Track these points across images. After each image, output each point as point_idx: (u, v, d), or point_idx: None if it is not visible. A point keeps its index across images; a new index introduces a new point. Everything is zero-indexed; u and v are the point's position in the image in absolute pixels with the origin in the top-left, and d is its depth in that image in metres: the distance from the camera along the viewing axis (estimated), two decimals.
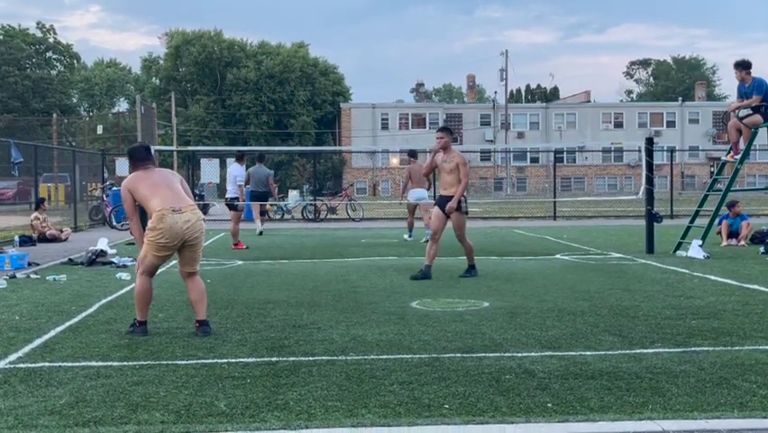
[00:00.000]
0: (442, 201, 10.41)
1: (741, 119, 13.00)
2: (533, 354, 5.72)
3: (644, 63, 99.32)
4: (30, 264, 11.99)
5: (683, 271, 10.83)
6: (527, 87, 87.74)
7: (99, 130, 43.42)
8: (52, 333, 6.63)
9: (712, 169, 55.56)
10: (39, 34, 75.26)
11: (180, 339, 6.33)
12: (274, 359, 5.60)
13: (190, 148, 35.73)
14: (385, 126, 66.30)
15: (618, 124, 68.48)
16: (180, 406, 4.47)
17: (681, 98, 72.68)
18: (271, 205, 26.69)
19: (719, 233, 15.07)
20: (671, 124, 68.76)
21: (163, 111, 63.01)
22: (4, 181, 31.48)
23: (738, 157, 13.23)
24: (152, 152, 7.06)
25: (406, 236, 16.97)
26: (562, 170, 61.35)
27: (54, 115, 50.90)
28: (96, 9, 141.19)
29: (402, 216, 22.56)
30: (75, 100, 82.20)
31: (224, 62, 69.63)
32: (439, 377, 5.06)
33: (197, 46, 69.62)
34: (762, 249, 13.30)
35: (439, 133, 10.56)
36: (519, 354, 5.69)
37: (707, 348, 5.87)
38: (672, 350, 5.81)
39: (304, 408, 4.43)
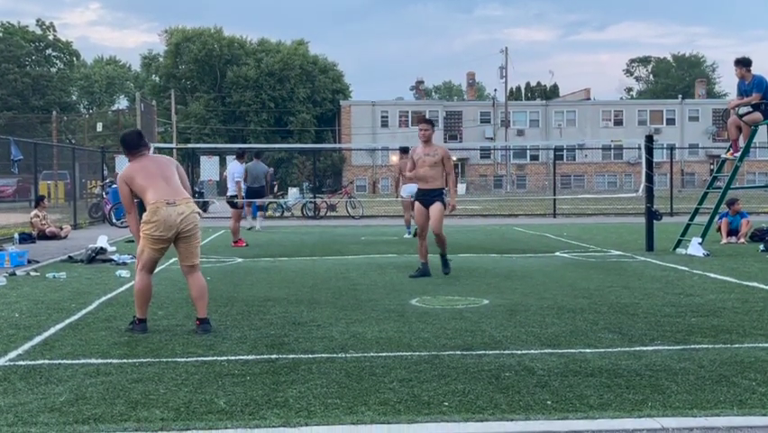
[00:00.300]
0: (423, 196, 10.03)
1: (741, 117, 12.99)
2: (532, 351, 5.72)
3: (644, 61, 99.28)
4: (29, 262, 11.99)
5: (683, 268, 10.83)
6: (527, 84, 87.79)
7: (99, 127, 43.45)
8: (52, 330, 6.63)
9: (712, 166, 55.55)
10: (39, 31, 75.22)
11: (180, 337, 6.33)
12: (274, 356, 5.60)
13: (190, 145, 35.70)
14: (385, 124, 66.30)
15: (618, 122, 68.49)
16: (180, 403, 4.47)
17: (680, 96, 72.68)
18: (270, 202, 26.73)
19: (719, 230, 15.07)
20: (670, 121, 68.77)
21: (163, 108, 63.06)
22: (4, 179, 31.50)
23: (738, 155, 13.22)
24: (144, 138, 7.01)
25: (406, 235, 16.97)
26: (562, 167, 61.34)
27: (54, 113, 50.91)
28: (95, 6, 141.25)
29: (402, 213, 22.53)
30: (75, 98, 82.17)
31: (224, 60, 69.58)
32: (439, 374, 5.06)
33: (197, 43, 69.56)
34: (761, 247, 13.31)
35: (424, 124, 10.14)
36: (519, 352, 5.69)
37: (706, 346, 5.87)
38: (671, 347, 5.81)
39: (303, 405, 4.43)
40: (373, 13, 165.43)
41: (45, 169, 29.68)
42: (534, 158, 67.59)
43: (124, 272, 10.38)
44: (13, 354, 5.75)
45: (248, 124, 67.69)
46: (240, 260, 12.50)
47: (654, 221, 13.62)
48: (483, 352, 5.70)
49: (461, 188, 60.21)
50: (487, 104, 70.71)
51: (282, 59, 68.77)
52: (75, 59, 79.95)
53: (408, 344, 6.00)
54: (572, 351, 5.72)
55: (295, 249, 14.51)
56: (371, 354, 5.67)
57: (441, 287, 9.16)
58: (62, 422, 4.16)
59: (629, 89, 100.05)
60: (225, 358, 5.57)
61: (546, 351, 5.73)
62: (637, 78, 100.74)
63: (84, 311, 7.58)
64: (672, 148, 33.52)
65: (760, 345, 5.91)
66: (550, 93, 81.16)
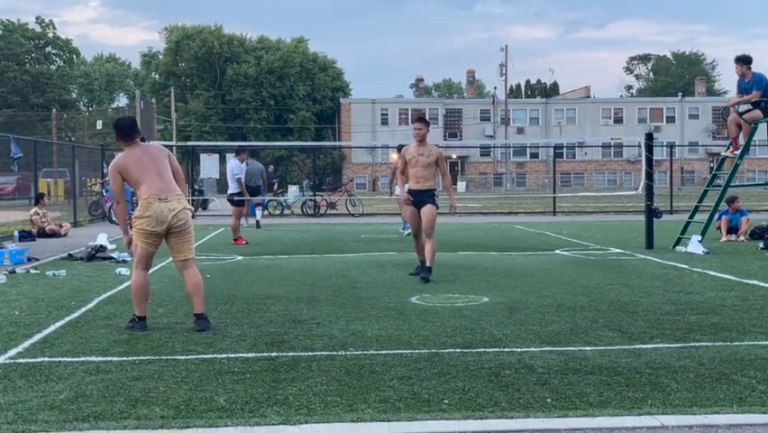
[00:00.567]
0: (415, 197, 9.81)
1: (741, 114, 12.99)
2: (532, 349, 5.72)
3: (644, 59, 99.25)
4: (29, 259, 11.99)
5: (683, 266, 10.83)
6: (527, 82, 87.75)
7: (99, 125, 43.40)
8: (52, 328, 6.63)
9: (712, 164, 55.53)
10: (38, 29, 75.18)
11: (180, 334, 6.33)
12: (274, 354, 5.61)
13: (190, 143, 35.68)
14: (384, 122, 66.27)
15: (618, 120, 68.49)
16: (180, 401, 4.48)
17: (680, 94, 72.66)
18: (270, 200, 26.73)
19: (719, 228, 15.07)
20: (670, 119, 68.76)
21: (163, 106, 63.02)
22: (4, 176, 31.49)
23: (738, 152, 13.22)
24: (138, 126, 6.99)
25: (406, 232, 16.96)
26: (562, 165, 61.34)
27: (53, 111, 50.91)
28: (95, 4, 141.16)
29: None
30: (74, 95, 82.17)
31: (224, 57, 69.57)
32: (438, 372, 5.06)
33: (197, 41, 69.55)
34: (761, 244, 13.31)
35: (419, 123, 9.83)
36: (519, 350, 5.69)
37: (706, 343, 5.87)
38: (671, 345, 5.82)
39: (303, 403, 4.43)
40: (373, 11, 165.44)
41: (45, 166, 29.66)
42: (534, 156, 67.60)
43: (124, 270, 10.38)
44: (12, 352, 5.75)
45: (248, 121, 67.69)
46: (240, 258, 12.50)
47: (654, 219, 13.63)
48: (483, 350, 5.70)
49: (461, 186, 60.25)
50: (487, 101, 70.68)
51: (282, 56, 68.77)
52: (74, 56, 79.93)
53: (408, 341, 6.00)
54: (572, 349, 5.72)
55: (295, 247, 14.51)
56: (371, 351, 5.67)
57: (441, 285, 9.16)
58: (62, 420, 4.16)
59: (629, 87, 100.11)
60: (225, 356, 5.57)
61: (546, 349, 5.73)
62: (637, 76, 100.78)
63: (84, 309, 7.58)
64: (671, 146, 33.49)
65: (760, 342, 5.91)
66: (550, 91, 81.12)
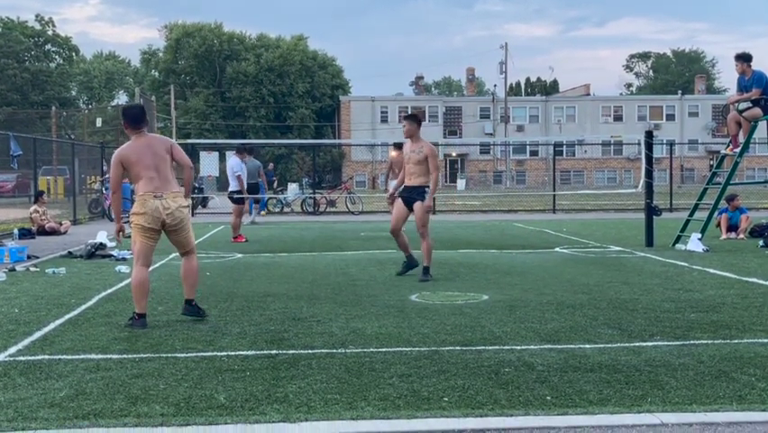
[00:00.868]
0: (407, 193, 9.70)
1: (741, 112, 12.98)
2: (532, 347, 5.72)
3: (644, 56, 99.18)
4: (29, 257, 11.99)
5: (682, 264, 10.83)
6: (527, 80, 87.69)
7: (98, 123, 43.37)
8: (52, 326, 6.63)
9: (711, 162, 55.51)
10: (38, 27, 75.12)
11: (180, 332, 6.33)
12: (273, 352, 5.61)
13: (190, 141, 35.65)
14: (384, 119, 66.20)
15: (618, 118, 68.43)
16: (180, 399, 4.48)
17: (680, 92, 72.64)
18: (270, 198, 26.71)
19: (718, 226, 15.07)
20: (670, 117, 68.71)
21: (162, 104, 62.98)
22: (4, 174, 31.44)
23: (738, 150, 13.22)
24: (147, 115, 7.01)
25: None
26: (562, 163, 61.30)
27: (53, 108, 50.82)
28: (95, 2, 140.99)
29: None
30: (74, 93, 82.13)
31: (224, 55, 69.54)
32: (438, 370, 5.07)
33: (197, 39, 69.51)
34: (761, 242, 13.31)
35: (405, 121, 9.84)
36: (518, 348, 5.69)
37: (706, 341, 5.87)
38: (670, 343, 5.82)
39: (303, 400, 4.43)
40: (373, 9, 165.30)
41: (44, 164, 29.59)
42: (534, 153, 67.58)
43: (124, 268, 10.38)
44: (12, 350, 5.75)
45: (247, 119, 67.67)
46: (240, 255, 12.50)
47: (654, 217, 13.62)
48: (483, 347, 5.70)
49: (461, 183, 60.26)
50: (486, 99, 70.62)
51: (282, 54, 68.73)
52: (74, 54, 79.88)
53: (408, 339, 6.00)
54: (572, 346, 5.72)
55: (294, 245, 14.51)
56: (371, 349, 5.67)
57: (440, 283, 9.16)
58: (62, 417, 4.16)
59: (629, 85, 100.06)
60: (225, 354, 5.57)
61: (546, 346, 5.73)
62: (637, 74, 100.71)
63: (83, 307, 7.58)
64: (671, 144, 33.53)
65: (759, 340, 5.91)
66: (550, 88, 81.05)
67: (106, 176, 24.12)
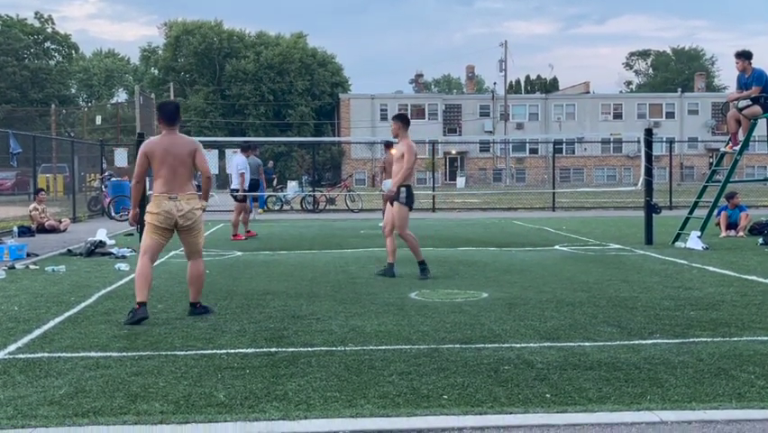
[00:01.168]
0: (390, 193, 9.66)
1: (740, 110, 12.98)
2: (531, 344, 5.73)
3: (644, 54, 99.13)
4: (28, 255, 11.99)
5: (682, 262, 10.83)
6: (527, 78, 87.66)
7: (98, 120, 43.30)
8: (51, 323, 6.64)
9: (711, 160, 55.55)
10: (37, 24, 75.02)
11: (179, 330, 6.33)
12: (273, 350, 5.61)
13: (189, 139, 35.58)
14: (384, 117, 66.06)
15: (618, 115, 68.40)
16: (179, 396, 4.48)
17: (680, 89, 72.59)
18: (269, 196, 26.71)
19: (718, 224, 15.07)
20: (670, 115, 68.69)
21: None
22: (3, 172, 31.47)
23: (737, 148, 13.22)
24: (180, 115, 7.12)
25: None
26: (561, 161, 61.33)
27: (53, 106, 50.74)
28: None
29: None
30: (73, 91, 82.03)
31: (224, 53, 69.49)
32: (438, 368, 5.07)
33: (197, 36, 69.45)
34: (760, 240, 13.31)
35: (392, 121, 9.73)
36: (518, 345, 5.70)
37: (705, 339, 5.88)
38: (670, 341, 5.82)
39: (303, 398, 4.44)
40: (373, 6, 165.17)
41: (44, 162, 29.58)
42: (534, 151, 67.55)
43: (123, 266, 10.38)
44: (12, 348, 5.75)
45: (247, 117, 67.63)
46: (239, 253, 12.50)
47: (653, 214, 13.63)
48: (482, 345, 5.71)
49: (461, 181, 60.26)
50: (486, 97, 70.59)
51: (281, 52, 68.67)
52: (74, 52, 79.79)
53: (407, 337, 6.00)
54: (571, 344, 5.72)
55: (294, 242, 14.51)
56: (371, 347, 5.67)
57: (440, 280, 9.17)
58: (62, 415, 4.16)
59: (629, 83, 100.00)
60: (225, 351, 5.58)
61: (545, 344, 5.73)
62: (637, 72, 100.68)
63: (83, 304, 7.58)
64: (671, 141, 33.45)
65: (759, 338, 5.91)
66: (549, 86, 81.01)
67: (106, 173, 24.12)
